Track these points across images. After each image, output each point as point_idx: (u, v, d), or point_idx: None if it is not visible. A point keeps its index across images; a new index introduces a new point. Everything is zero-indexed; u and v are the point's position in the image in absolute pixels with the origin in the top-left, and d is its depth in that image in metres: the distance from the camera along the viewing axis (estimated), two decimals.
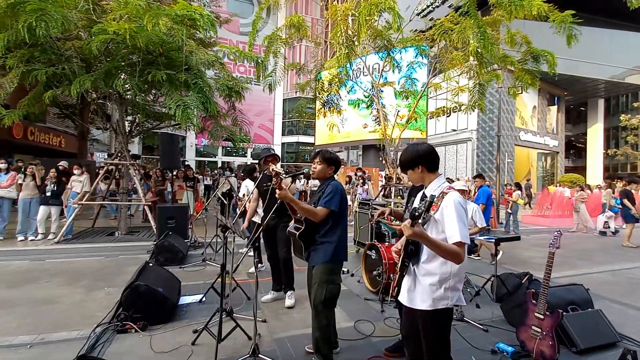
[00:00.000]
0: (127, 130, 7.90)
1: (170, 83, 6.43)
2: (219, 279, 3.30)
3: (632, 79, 22.57)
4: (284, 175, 2.29)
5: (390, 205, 4.77)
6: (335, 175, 2.58)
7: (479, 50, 6.92)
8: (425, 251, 1.65)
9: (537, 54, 7.33)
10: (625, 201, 7.70)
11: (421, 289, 1.65)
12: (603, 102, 26.48)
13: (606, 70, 21.65)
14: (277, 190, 2.21)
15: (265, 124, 25.44)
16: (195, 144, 22.33)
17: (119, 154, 7.32)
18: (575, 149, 31.21)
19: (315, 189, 11.47)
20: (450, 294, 1.61)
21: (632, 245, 7.62)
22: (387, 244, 4.15)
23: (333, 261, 2.36)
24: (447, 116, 22.33)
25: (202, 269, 4.82)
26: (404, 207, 2.56)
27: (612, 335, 2.82)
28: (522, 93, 14.00)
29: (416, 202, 1.87)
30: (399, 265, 1.82)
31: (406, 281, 1.75)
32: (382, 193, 9.58)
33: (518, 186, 9.50)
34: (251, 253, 5.43)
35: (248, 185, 5.22)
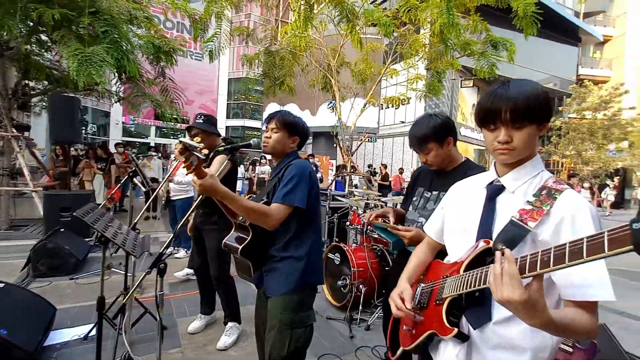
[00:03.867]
0: (11, 92, 5.94)
1: (68, 28, 4.82)
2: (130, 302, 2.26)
3: (552, 85, 25.18)
4: (201, 152, 1.19)
5: (358, 198, 3.99)
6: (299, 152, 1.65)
7: (443, 30, 6.52)
8: None
9: (496, 41, 7.19)
10: None
11: None
12: None
13: (533, 76, 23.73)
14: (194, 178, 1.20)
15: (208, 104, 23.11)
16: (122, 122, 19.28)
17: None
18: None
19: (264, 176, 10.30)
20: None
21: None
22: (353, 245, 3.36)
23: (301, 289, 1.47)
24: (396, 108, 22.63)
25: (105, 280, 3.54)
26: (404, 201, 1.73)
27: (621, 356, 2.38)
28: (472, 85, 14.41)
29: (463, 196, 1.03)
30: (424, 313, 0.97)
31: (452, 356, 0.91)
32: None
33: None
34: (181, 255, 4.33)
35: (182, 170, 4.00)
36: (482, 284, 0.77)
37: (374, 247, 3.20)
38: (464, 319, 0.89)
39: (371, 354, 2.35)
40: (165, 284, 3.43)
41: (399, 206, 1.75)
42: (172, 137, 21.79)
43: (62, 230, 3.96)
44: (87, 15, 4.77)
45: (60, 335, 2.37)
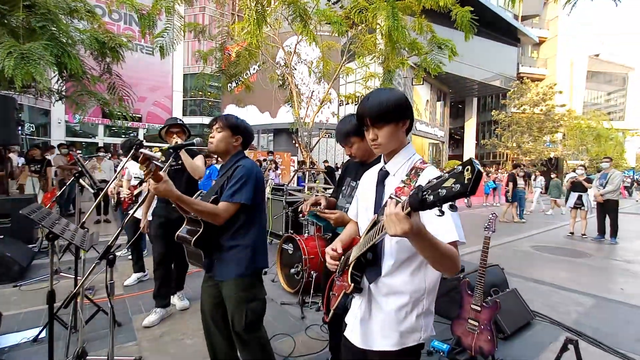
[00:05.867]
0: None
1: (0, 23, 4.51)
2: (74, 303, 2.30)
3: (496, 83, 27.27)
4: (156, 160, 1.38)
5: (310, 191, 4.25)
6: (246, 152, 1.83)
7: (391, 32, 6.91)
8: (390, 258, 1.06)
9: (440, 42, 7.73)
10: (511, 184, 8.90)
11: (382, 319, 1.07)
12: (476, 101, 31.47)
13: (479, 74, 25.54)
14: (151, 183, 1.37)
15: (162, 101, 22.10)
16: (65, 121, 17.84)
17: None
18: (454, 139, 36.47)
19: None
20: (423, 322, 1.07)
21: (505, 220, 8.89)
22: (306, 235, 3.58)
23: (250, 273, 1.67)
24: (355, 104, 23.30)
25: (54, 285, 3.44)
26: (335, 190, 1.97)
27: (528, 315, 2.84)
28: (422, 84, 15.21)
29: (366, 182, 1.27)
30: (341, 279, 1.20)
31: (356, 307, 1.15)
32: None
33: None
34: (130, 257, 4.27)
35: (130, 167, 3.92)
36: (369, 242, 1.00)
37: (324, 236, 3.44)
38: (364, 278, 1.13)
39: (319, 331, 2.59)
40: (120, 285, 3.44)
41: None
42: (123, 135, 20.54)
43: (1, 237, 3.77)
44: (22, 9, 4.49)
45: (7, 340, 2.33)
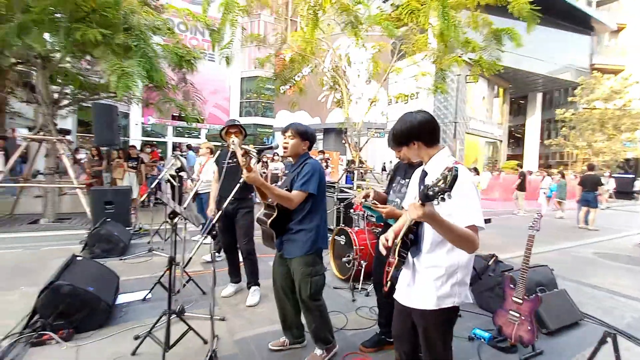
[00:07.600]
0: (52, 100, 6.70)
1: (105, 45, 5.48)
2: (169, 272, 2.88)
3: (566, 75, 24.83)
4: (254, 153, 1.92)
5: (361, 188, 4.59)
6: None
7: (444, 32, 6.85)
8: (428, 239, 1.38)
9: (500, 33, 7.39)
10: (580, 188, 8.21)
11: (423, 285, 1.39)
12: (541, 96, 28.97)
13: (544, 67, 23.50)
14: (245, 172, 1.83)
15: (221, 103, 23.87)
16: (142, 123, 20.21)
17: (43, 128, 6.19)
18: (514, 138, 33.92)
19: (277, 171, 10.96)
20: (457, 289, 1.37)
21: (592, 228, 8.11)
22: (356, 228, 3.92)
23: (313, 252, 2.09)
24: (405, 103, 22.91)
25: (148, 260, 4.22)
26: (387, 187, 2.28)
27: (576, 315, 2.88)
28: (476, 82, 14.57)
29: (413, 180, 1.59)
30: (392, 257, 1.53)
31: (404, 276, 1.48)
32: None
33: (476, 171, 9.92)
34: (207, 240, 4.98)
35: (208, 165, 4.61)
36: (406, 226, 1.33)
37: (374, 230, 3.75)
38: (409, 255, 1.45)
39: (369, 312, 2.93)
40: (200, 263, 4.10)
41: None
42: (186, 135, 22.64)
43: (108, 220, 4.66)
44: (122, 32, 5.43)
45: (124, 298, 3.02)
